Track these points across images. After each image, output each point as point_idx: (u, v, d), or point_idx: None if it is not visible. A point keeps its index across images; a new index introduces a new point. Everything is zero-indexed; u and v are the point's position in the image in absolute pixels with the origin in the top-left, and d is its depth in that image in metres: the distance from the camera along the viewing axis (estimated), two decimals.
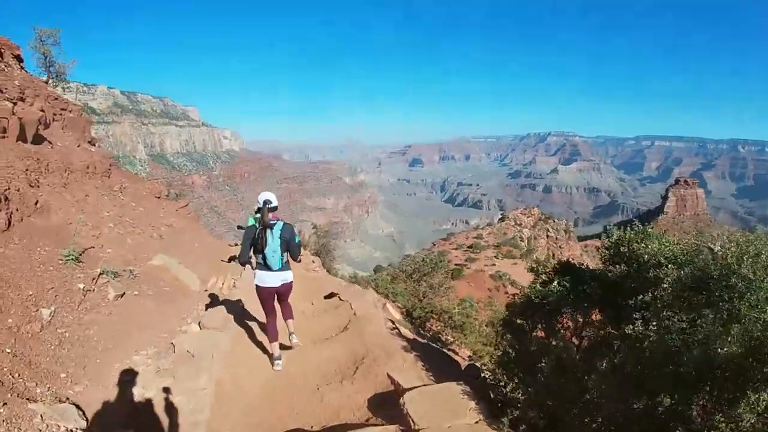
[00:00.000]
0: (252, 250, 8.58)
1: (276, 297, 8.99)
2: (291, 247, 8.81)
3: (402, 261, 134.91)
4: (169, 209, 20.33)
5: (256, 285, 8.77)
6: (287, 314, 9.22)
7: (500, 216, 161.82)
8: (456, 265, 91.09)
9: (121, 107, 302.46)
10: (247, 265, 8.84)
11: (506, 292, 61.59)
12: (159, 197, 21.58)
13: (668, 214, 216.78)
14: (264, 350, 9.65)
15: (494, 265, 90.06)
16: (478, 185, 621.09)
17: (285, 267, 8.80)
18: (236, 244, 19.09)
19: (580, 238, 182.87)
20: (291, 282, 8.99)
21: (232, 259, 14.69)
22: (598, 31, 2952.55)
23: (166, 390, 7.73)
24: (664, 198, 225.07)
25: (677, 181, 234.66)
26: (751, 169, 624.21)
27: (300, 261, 10.45)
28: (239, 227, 9.21)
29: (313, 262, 22.28)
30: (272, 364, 9.02)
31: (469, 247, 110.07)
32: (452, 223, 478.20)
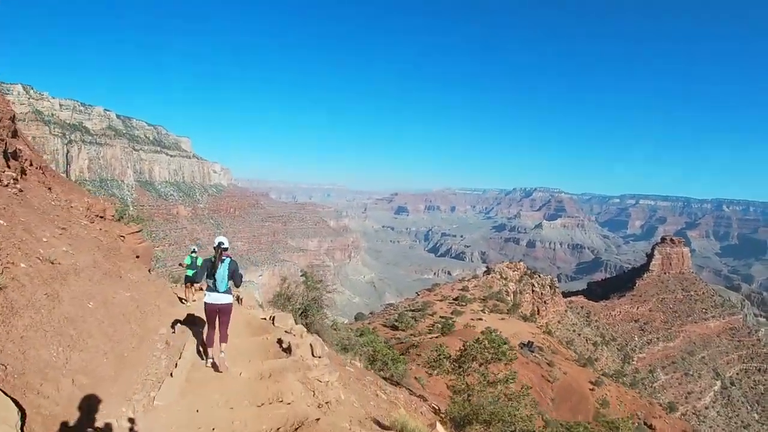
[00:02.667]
0: (206, 275, 11.25)
1: (218, 317, 11.29)
2: (235, 277, 11.38)
3: (385, 309, 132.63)
4: (108, 235, 17.52)
5: (205, 302, 11.28)
6: (223, 337, 11.35)
7: (486, 269, 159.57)
8: (441, 317, 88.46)
9: (115, 131, 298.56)
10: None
11: (463, 342, 58.18)
12: (102, 217, 19.09)
13: (653, 272, 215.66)
14: None
15: (481, 319, 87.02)
16: (462, 236, 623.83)
17: (228, 291, 11.31)
18: (180, 288, 19.58)
19: (565, 294, 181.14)
20: (230, 303, 11.43)
21: (176, 324, 13.26)
22: (585, 89, 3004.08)
23: None
24: (650, 256, 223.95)
25: (663, 240, 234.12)
26: (735, 228, 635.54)
27: (239, 287, 12.54)
28: (180, 264, 14.04)
29: (292, 333, 14.10)
30: (206, 362, 11.36)
31: (454, 299, 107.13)
32: (434, 273, 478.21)
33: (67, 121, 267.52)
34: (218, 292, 11.08)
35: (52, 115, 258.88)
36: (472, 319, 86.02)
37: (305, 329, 15.22)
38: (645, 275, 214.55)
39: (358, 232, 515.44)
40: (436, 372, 25.36)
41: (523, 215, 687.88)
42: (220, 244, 11.18)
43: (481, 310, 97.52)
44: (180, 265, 18.93)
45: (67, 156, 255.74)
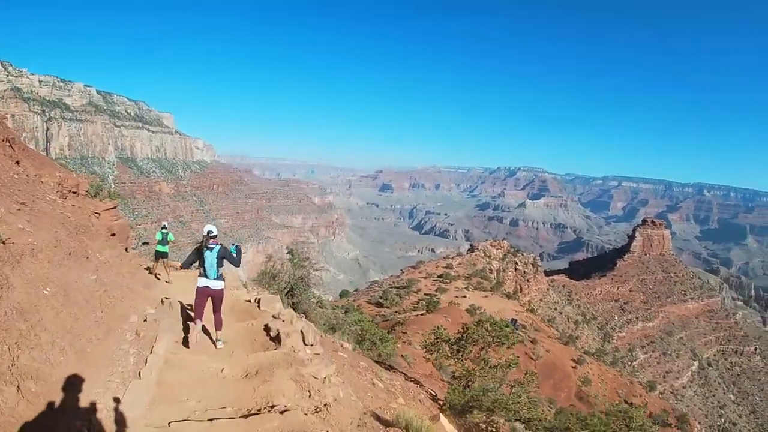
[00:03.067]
0: (198, 263, 11.67)
1: (211, 302, 11.60)
2: (229, 260, 11.66)
3: (369, 286, 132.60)
4: (81, 211, 16.50)
5: (197, 286, 11.49)
6: (218, 325, 11.56)
7: (469, 246, 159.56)
8: (426, 294, 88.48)
9: (96, 107, 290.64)
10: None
11: (462, 324, 58.40)
12: (75, 193, 18.27)
13: (634, 253, 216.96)
14: None
15: (465, 296, 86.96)
16: (446, 214, 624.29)
17: (219, 278, 11.58)
18: (151, 270, 18.98)
19: (547, 273, 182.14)
20: (222, 290, 11.68)
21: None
22: (571, 69, 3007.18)
23: None
24: (631, 237, 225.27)
25: (644, 221, 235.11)
26: (715, 212, 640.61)
27: (239, 260, 12.10)
28: (144, 243, 16.45)
29: (281, 318, 12.93)
30: (188, 345, 11.21)
31: (439, 276, 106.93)
32: (418, 251, 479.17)
33: (47, 98, 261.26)
34: (208, 278, 11.44)
35: (32, 92, 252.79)
36: (456, 297, 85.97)
37: (295, 313, 13.78)
38: (626, 256, 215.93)
39: (342, 209, 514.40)
40: (434, 356, 23.42)
41: (507, 194, 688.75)
42: (209, 232, 11.49)
43: (465, 288, 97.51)
44: (144, 243, 20.65)
45: (47, 133, 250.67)
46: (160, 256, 19.20)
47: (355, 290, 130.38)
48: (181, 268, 12.73)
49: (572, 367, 66.35)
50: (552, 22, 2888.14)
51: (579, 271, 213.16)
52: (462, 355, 21.81)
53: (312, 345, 11.81)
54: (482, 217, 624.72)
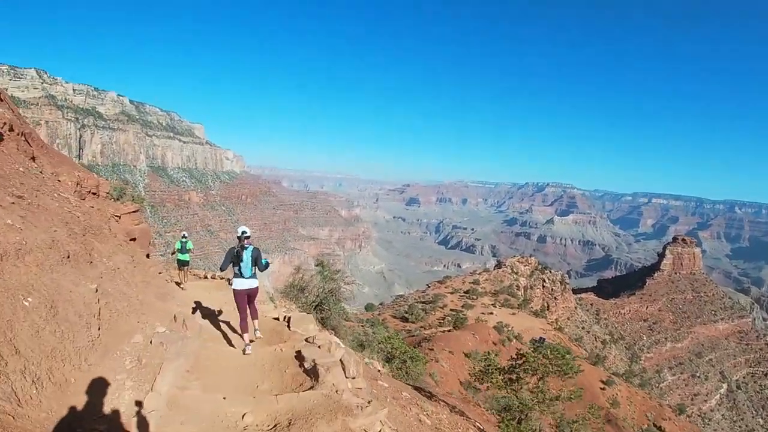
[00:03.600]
0: (231, 264, 11.77)
1: (247, 298, 11.84)
2: (258, 264, 11.86)
3: (395, 300, 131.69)
4: (98, 213, 15.84)
5: (234, 289, 11.79)
6: (254, 315, 12.16)
7: (497, 262, 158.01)
8: (452, 310, 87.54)
9: (128, 116, 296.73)
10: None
11: (518, 350, 57.89)
12: (95, 194, 17.77)
13: (664, 271, 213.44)
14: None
15: (492, 313, 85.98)
16: (473, 229, 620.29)
17: (253, 276, 11.89)
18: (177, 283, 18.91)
19: (575, 291, 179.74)
20: (257, 287, 12.04)
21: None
22: (602, 86, 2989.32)
23: None
24: (661, 255, 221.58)
25: (675, 239, 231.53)
26: (746, 230, 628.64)
27: (262, 270, 12.22)
28: (173, 253, 17.53)
29: (315, 343, 11.34)
30: (243, 351, 11.36)
31: (465, 292, 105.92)
32: (444, 266, 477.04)
33: (81, 106, 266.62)
34: (244, 278, 11.72)
35: (66, 99, 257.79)
36: (482, 313, 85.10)
37: (334, 339, 12.01)
38: (656, 274, 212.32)
39: (369, 222, 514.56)
40: (486, 386, 21.34)
41: (535, 210, 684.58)
42: (243, 233, 11.84)
43: (492, 304, 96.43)
44: (172, 253, 20.00)
45: (80, 140, 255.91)
46: (181, 264, 19.87)
47: (381, 304, 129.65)
48: (221, 270, 12.40)
49: (601, 388, 64.88)
50: (582, 36, 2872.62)
51: (607, 290, 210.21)
52: (518, 386, 19.52)
53: (354, 378, 10.05)
54: (509, 232, 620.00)
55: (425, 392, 22.70)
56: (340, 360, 10.17)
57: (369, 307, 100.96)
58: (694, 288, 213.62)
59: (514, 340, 63.15)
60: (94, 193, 17.50)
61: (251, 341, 11.63)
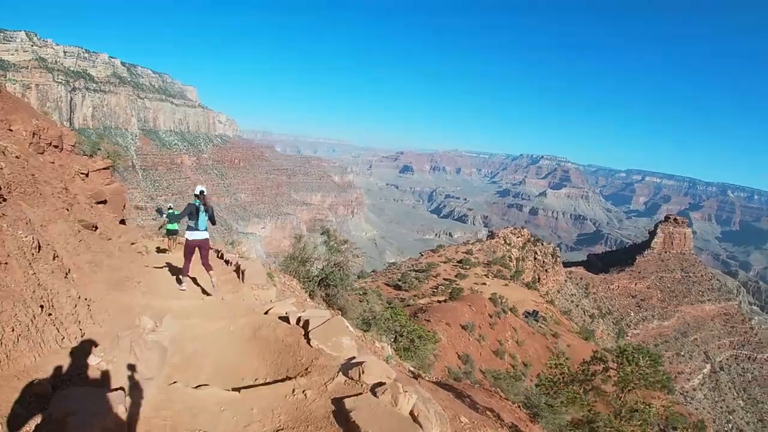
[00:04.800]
0: (188, 217, 12.82)
1: (195, 251, 12.85)
2: (211, 217, 12.94)
3: (387, 268, 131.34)
4: (61, 170, 14.27)
5: (187, 239, 12.73)
6: (207, 267, 12.88)
7: (489, 233, 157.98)
8: (445, 279, 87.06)
9: (120, 78, 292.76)
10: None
11: (511, 326, 57.52)
12: (56, 147, 15.80)
13: (655, 249, 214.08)
14: None
15: (485, 284, 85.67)
16: (465, 199, 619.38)
17: (206, 229, 12.95)
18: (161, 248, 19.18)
19: (565, 264, 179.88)
20: (207, 239, 13.03)
21: None
22: (601, 61, 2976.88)
23: None
24: (652, 233, 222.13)
25: (667, 218, 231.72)
26: (737, 214, 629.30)
27: (214, 225, 13.17)
28: (158, 210, 16.99)
29: (362, 375, 6.54)
30: (181, 287, 12.84)
31: (458, 262, 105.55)
32: (436, 234, 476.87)
33: (71, 69, 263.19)
34: (198, 230, 12.78)
35: (56, 62, 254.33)
36: (475, 284, 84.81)
37: (393, 372, 6.69)
38: (646, 252, 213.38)
39: (362, 189, 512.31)
40: (561, 402, 16.14)
41: (528, 182, 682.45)
42: (201, 191, 12.93)
43: (485, 275, 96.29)
44: (157, 210, 20.01)
45: (70, 104, 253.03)
46: (170, 233, 20.62)
47: (373, 271, 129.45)
48: (175, 219, 14.13)
49: None
50: (584, 13, 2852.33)
51: (597, 265, 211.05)
52: (593, 398, 15.71)
53: None
54: (502, 204, 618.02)
55: (448, 386, 19.27)
56: (411, 411, 5.74)
57: (361, 275, 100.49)
58: (683, 268, 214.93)
59: (509, 313, 62.55)
60: (55, 146, 15.52)
61: (185, 284, 13.05)
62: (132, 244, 15.65)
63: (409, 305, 59.65)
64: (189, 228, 12.89)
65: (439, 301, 63.53)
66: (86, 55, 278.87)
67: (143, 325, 7.69)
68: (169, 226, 20.48)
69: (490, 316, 55.77)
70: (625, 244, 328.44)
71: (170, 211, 21.27)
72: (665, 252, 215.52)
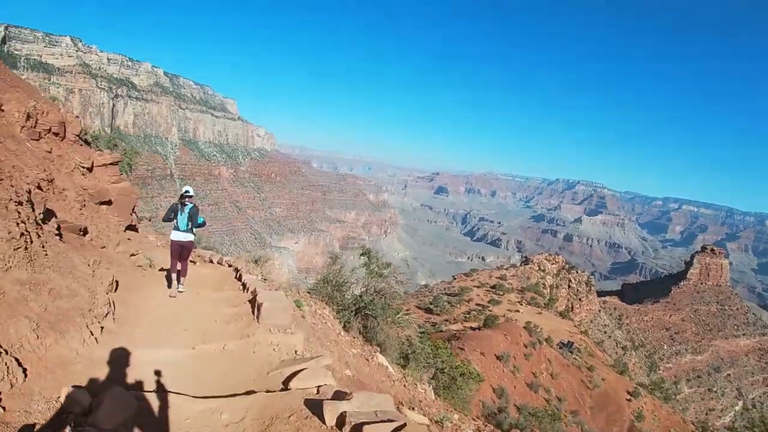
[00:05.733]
0: (171, 215, 13.04)
1: (180, 252, 12.94)
2: (193, 220, 13.07)
3: (419, 290, 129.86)
4: (59, 161, 12.63)
5: (171, 239, 12.97)
6: (183, 272, 13.09)
7: (524, 258, 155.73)
8: (477, 305, 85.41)
9: (162, 88, 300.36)
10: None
11: (546, 358, 55.77)
12: (57, 135, 13.85)
13: (690, 281, 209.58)
14: None
15: (518, 311, 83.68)
16: (499, 223, 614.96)
17: (189, 231, 13.12)
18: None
19: (598, 293, 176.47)
20: (191, 241, 13.35)
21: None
22: (638, 88, 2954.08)
23: None
24: (688, 264, 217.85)
25: (703, 248, 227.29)
26: None
27: (198, 227, 13.58)
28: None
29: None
30: (170, 293, 12.49)
31: (492, 287, 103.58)
32: (468, 257, 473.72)
33: (115, 76, 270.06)
34: (179, 230, 13.00)
35: (100, 68, 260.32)
36: (509, 311, 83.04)
37: None
38: (681, 283, 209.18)
39: (396, 209, 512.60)
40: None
41: (564, 207, 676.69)
42: (186, 192, 13.14)
43: (518, 302, 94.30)
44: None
45: (112, 110, 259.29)
46: None
47: (404, 292, 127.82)
48: (162, 221, 13.80)
49: (627, 399, 62.15)
50: (622, 35, 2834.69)
51: (631, 295, 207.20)
52: None
53: None
54: (536, 229, 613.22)
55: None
56: None
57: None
58: (719, 300, 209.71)
59: (545, 344, 60.60)
60: (55, 133, 13.73)
61: (178, 289, 12.74)
62: (132, 255, 13.90)
63: (441, 331, 58.27)
64: (174, 228, 13.16)
65: (472, 328, 62.02)
66: (130, 63, 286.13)
67: (68, 406, 5.27)
68: None
69: (525, 347, 54.04)
70: (660, 274, 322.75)
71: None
72: (701, 283, 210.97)
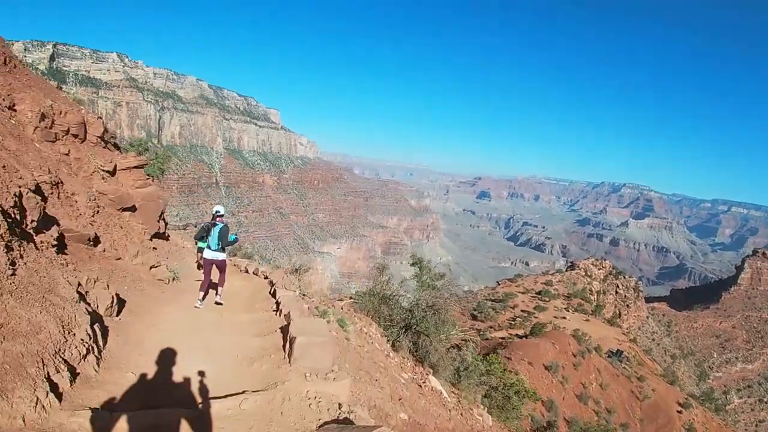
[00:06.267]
0: (202, 235, 13.49)
1: (214, 267, 13.34)
2: (223, 239, 13.17)
3: (462, 296, 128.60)
4: (76, 164, 11.75)
5: (204, 257, 13.34)
6: (221, 282, 13.60)
7: (570, 264, 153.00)
8: (523, 311, 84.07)
9: (207, 100, 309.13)
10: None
11: (595, 367, 54.15)
12: (76, 136, 13.03)
13: (741, 286, 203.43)
14: None
15: (565, 318, 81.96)
16: (543, 227, 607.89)
17: (219, 250, 13.31)
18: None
19: (645, 299, 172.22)
20: (223, 260, 13.51)
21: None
22: (687, 87, 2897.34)
23: None
24: (739, 268, 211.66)
25: (755, 252, 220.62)
26: None
27: (229, 245, 13.79)
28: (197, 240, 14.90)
29: None
30: (196, 304, 12.54)
31: (537, 293, 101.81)
32: (512, 262, 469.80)
33: (161, 89, 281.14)
34: (211, 249, 13.29)
35: (146, 82, 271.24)
36: (555, 317, 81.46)
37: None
38: (732, 288, 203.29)
39: (438, 214, 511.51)
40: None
41: (609, 211, 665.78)
42: (217, 212, 13.60)
43: (565, 308, 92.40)
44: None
45: (159, 122, 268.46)
46: (200, 251, 19.11)
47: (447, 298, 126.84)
48: (194, 239, 14.04)
49: (678, 411, 59.99)
50: (669, 29, 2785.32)
51: (680, 300, 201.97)
52: None
53: None
54: (581, 233, 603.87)
55: None
56: None
57: None
58: None
59: (593, 353, 58.87)
60: (75, 135, 12.93)
61: (205, 299, 12.93)
62: (152, 267, 12.94)
63: (486, 338, 57.18)
64: (207, 246, 13.48)
65: (518, 336, 60.81)
66: (175, 76, 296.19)
67: None
68: (201, 244, 19.06)
69: (574, 356, 52.46)
70: (710, 279, 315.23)
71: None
72: (752, 289, 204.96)
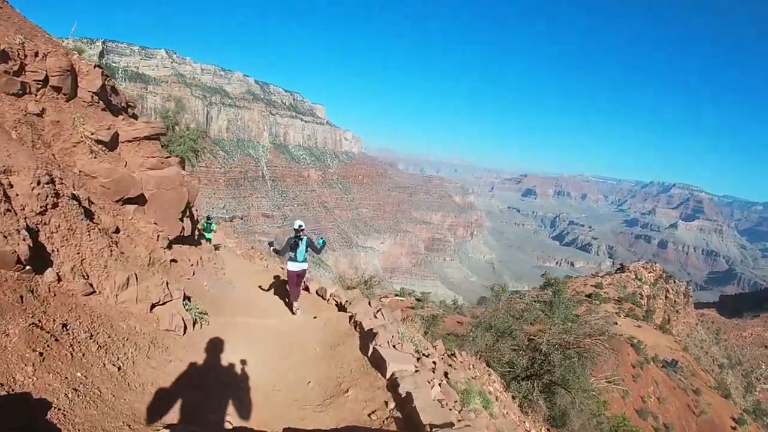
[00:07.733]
0: (290, 249, 13.43)
1: (298, 279, 13.78)
2: (314, 247, 13.56)
3: (509, 297, 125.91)
4: (53, 128, 8.44)
5: (288, 270, 13.64)
6: (296, 296, 14.06)
7: (619, 266, 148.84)
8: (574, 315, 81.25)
9: (253, 95, 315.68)
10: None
11: (653, 379, 51.20)
12: (55, 88, 9.19)
13: None
14: None
15: (617, 323, 78.72)
16: (590, 227, 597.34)
17: (305, 261, 13.68)
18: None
19: (695, 305, 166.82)
20: (305, 269, 13.89)
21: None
22: (739, 87, 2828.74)
23: None
24: None
25: None
26: None
27: (320, 250, 13.76)
28: (270, 244, 14.76)
29: None
30: (293, 312, 13.66)
31: (587, 296, 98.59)
32: (557, 262, 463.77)
33: (208, 85, 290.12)
34: (297, 261, 13.45)
35: (194, 78, 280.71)
36: (606, 323, 78.07)
37: None
38: None
39: (482, 211, 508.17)
40: None
41: (659, 212, 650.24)
42: (300, 226, 13.51)
43: (616, 313, 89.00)
44: (270, 244, 16.49)
45: (207, 116, 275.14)
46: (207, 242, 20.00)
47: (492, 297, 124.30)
48: (279, 254, 13.72)
49: (732, 427, 56.55)
50: (722, 26, 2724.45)
51: (728, 307, 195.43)
52: None
53: None
54: (629, 234, 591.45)
55: None
56: None
57: (482, 301, 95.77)
58: None
59: (651, 363, 55.66)
60: (56, 88, 9.09)
61: (298, 308, 13.83)
62: (155, 305, 8.47)
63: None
64: (290, 259, 13.50)
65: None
66: (222, 72, 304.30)
67: None
68: (207, 235, 20.64)
69: (633, 367, 49.51)
70: (760, 285, 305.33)
71: (208, 221, 22.35)
72: None
